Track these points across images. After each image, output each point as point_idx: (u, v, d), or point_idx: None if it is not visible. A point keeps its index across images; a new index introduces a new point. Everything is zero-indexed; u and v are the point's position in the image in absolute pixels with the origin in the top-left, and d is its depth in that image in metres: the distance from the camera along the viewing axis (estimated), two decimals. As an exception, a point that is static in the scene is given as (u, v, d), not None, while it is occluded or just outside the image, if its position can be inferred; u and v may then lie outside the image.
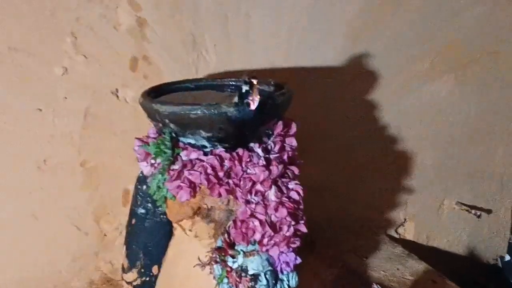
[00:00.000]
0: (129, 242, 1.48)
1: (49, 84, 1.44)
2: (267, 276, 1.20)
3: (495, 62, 1.86)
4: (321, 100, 1.68)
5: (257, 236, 1.19)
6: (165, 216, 1.32)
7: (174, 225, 1.30)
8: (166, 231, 1.36)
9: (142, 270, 1.47)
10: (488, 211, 2.01)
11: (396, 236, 1.93)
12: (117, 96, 1.52)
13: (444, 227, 2.00)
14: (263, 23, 1.61)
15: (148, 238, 1.44)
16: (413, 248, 1.86)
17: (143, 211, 1.43)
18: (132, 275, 1.49)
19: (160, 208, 1.33)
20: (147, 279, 1.46)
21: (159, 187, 1.25)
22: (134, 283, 1.49)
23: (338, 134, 1.76)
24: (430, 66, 1.80)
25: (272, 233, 1.19)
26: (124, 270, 1.50)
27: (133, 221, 1.45)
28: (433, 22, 1.75)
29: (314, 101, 1.67)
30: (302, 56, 1.67)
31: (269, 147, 1.25)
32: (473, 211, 1.99)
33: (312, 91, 1.64)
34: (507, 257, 1.98)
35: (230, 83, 1.38)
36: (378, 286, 1.30)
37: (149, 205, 1.39)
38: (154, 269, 1.43)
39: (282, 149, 1.25)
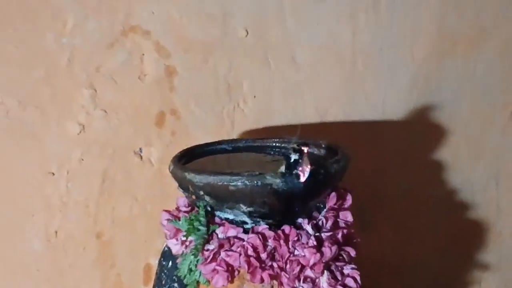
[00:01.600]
0: None
1: (63, 144, 1.46)
2: None
3: None
4: (382, 160, 1.68)
5: None
6: None
7: None
8: None
9: None
10: None
11: None
12: (141, 157, 1.52)
13: None
14: (313, 69, 1.61)
15: None
16: None
17: None
18: None
19: None
20: None
21: (190, 269, 1.24)
22: None
23: (399, 201, 1.75)
24: (504, 114, 1.79)
25: None
26: None
27: None
28: None
29: (375, 163, 1.67)
30: (359, 107, 1.67)
31: (321, 223, 1.23)
32: None
33: (372, 149, 1.64)
34: None
35: (274, 144, 1.37)
36: None
37: (176, 285, 1.38)
38: None
39: (336, 226, 1.23)
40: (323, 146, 1.28)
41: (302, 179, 1.13)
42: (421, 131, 1.74)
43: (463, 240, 1.85)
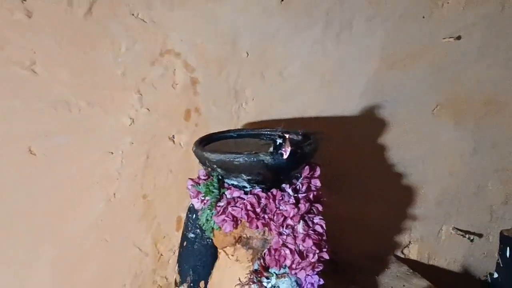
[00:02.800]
0: (181, 261, 1.48)
1: (119, 132, 1.46)
2: None
3: (487, 112, 1.85)
4: (344, 145, 1.68)
5: (288, 262, 1.18)
6: (210, 240, 1.33)
7: (219, 250, 1.29)
8: (211, 252, 1.35)
9: (191, 285, 1.46)
10: (480, 236, 1.98)
11: (402, 256, 1.91)
12: (173, 141, 1.52)
13: (442, 249, 1.97)
14: (295, 80, 1.61)
15: (196, 258, 1.43)
16: (416, 267, 1.83)
17: (192, 235, 1.43)
18: None
19: (206, 234, 1.33)
20: None
21: (207, 219, 1.25)
22: None
23: (361, 174, 1.76)
24: (432, 114, 1.80)
25: (300, 260, 1.18)
26: (176, 284, 1.50)
27: (185, 243, 1.45)
28: (437, 79, 1.76)
29: (339, 147, 1.67)
30: (329, 107, 1.67)
31: (298, 187, 1.24)
32: (467, 236, 1.97)
33: (336, 138, 1.65)
34: (495, 275, 1.94)
35: (266, 132, 1.38)
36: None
37: (198, 230, 1.39)
38: (201, 284, 1.41)
39: (309, 189, 1.25)
40: (300, 134, 1.29)
41: (285, 156, 1.15)
42: (371, 123, 1.74)
43: (401, 199, 1.86)
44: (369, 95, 1.71)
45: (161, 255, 1.58)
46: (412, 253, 1.94)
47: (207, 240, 1.34)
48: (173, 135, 1.52)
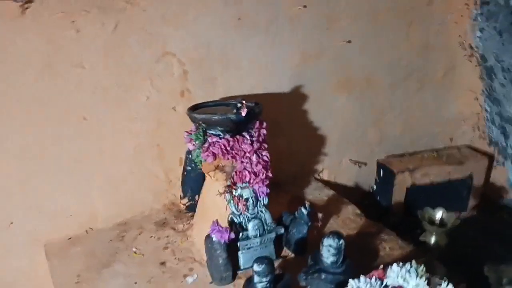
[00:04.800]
0: (184, 184, 1.51)
1: (139, 105, 1.45)
2: (252, 198, 1.23)
3: (367, 86, 1.84)
4: (280, 109, 1.64)
5: (247, 179, 1.22)
6: (200, 169, 1.33)
7: (206, 174, 1.31)
8: (202, 177, 1.36)
9: (190, 198, 1.50)
10: (365, 163, 1.97)
11: (318, 177, 1.90)
12: (175, 110, 1.50)
13: (343, 172, 1.95)
14: (246, 70, 1.58)
15: (193, 181, 1.46)
16: (327, 183, 1.83)
17: (189, 168, 1.45)
18: (185, 200, 1.52)
19: (197, 165, 1.34)
20: (193, 202, 1.49)
21: (197, 156, 1.27)
22: (187, 204, 1.52)
23: (291, 127, 1.73)
24: (333, 89, 1.78)
25: (255, 177, 1.22)
26: (181, 198, 1.53)
27: (185, 173, 1.48)
28: (335, 67, 1.74)
29: (277, 110, 1.60)
30: (269, 86, 1.64)
31: (252, 134, 1.26)
32: (357, 164, 1.97)
33: (275, 104, 1.56)
34: (375, 187, 1.95)
35: (231, 102, 1.33)
36: (308, 203, 1.29)
37: (193, 165, 1.41)
38: (197, 197, 1.45)
39: (259, 135, 1.27)
40: (252, 102, 1.28)
41: (243, 115, 1.18)
42: (296, 95, 1.71)
43: (316, 140, 1.84)
44: (295, 78, 1.69)
45: (171, 180, 1.57)
46: (324, 175, 1.92)
47: (199, 170, 1.36)
48: (174, 106, 1.50)
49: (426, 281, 0.89)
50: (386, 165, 1.84)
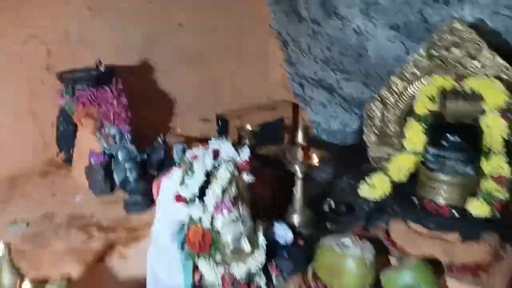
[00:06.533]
0: (58, 141, 1.76)
1: (13, 80, 1.68)
2: (118, 135, 1.63)
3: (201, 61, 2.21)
4: (133, 81, 1.82)
5: (112, 119, 1.60)
6: (73, 123, 1.64)
7: (78, 123, 1.62)
8: (73, 133, 1.66)
9: (66, 151, 1.76)
10: (209, 120, 2.26)
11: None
12: (43, 83, 1.73)
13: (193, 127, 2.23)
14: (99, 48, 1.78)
15: (66, 138, 1.72)
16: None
17: (62, 128, 1.72)
18: (61, 155, 1.79)
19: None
20: (69, 154, 1.74)
21: (69, 107, 1.62)
22: (64, 158, 1.78)
23: (145, 94, 1.95)
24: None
25: (118, 117, 1.63)
26: (57, 154, 1.79)
27: (58, 133, 1.75)
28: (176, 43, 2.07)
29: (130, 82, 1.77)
30: (117, 60, 1.80)
31: (111, 88, 1.62)
32: (204, 120, 2.26)
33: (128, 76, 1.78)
34: (217, 134, 2.12)
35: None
36: (162, 135, 1.63)
37: (64, 125, 1.70)
38: (71, 150, 1.73)
39: (117, 88, 1.64)
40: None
41: (102, 70, 1.56)
42: (145, 72, 1.98)
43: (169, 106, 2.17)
44: (142, 55, 1.98)
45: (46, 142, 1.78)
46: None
47: (70, 127, 1.66)
48: (42, 80, 1.72)
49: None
50: (223, 116, 2.32)
